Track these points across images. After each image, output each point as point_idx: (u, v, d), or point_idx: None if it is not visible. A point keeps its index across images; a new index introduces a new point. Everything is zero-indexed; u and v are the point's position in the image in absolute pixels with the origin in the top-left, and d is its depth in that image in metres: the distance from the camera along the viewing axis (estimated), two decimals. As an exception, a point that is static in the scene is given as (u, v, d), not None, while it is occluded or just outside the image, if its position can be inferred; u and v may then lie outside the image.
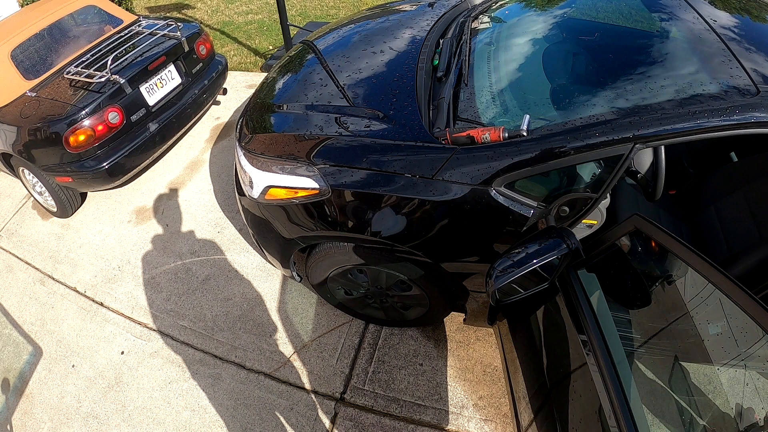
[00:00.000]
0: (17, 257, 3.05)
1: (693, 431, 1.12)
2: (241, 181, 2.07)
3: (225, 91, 3.83)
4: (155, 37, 3.25)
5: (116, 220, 3.18)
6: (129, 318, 2.58)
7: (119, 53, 3.05)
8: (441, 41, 2.18)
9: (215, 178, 3.38)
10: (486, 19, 2.28)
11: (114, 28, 3.47)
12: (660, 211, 1.93)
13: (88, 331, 2.56)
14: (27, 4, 5.04)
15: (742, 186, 1.82)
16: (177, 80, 3.27)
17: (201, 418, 2.12)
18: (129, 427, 2.14)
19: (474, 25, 2.24)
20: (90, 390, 2.30)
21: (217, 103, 4.15)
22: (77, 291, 2.77)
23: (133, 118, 3.00)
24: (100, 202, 3.35)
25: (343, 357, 2.26)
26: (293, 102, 2.04)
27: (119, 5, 4.86)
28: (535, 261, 1.29)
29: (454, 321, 2.34)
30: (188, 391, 2.23)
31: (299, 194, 1.79)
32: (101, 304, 2.68)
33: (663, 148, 1.52)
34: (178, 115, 3.24)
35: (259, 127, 2.04)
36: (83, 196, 3.36)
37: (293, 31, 4.54)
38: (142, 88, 3.02)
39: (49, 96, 2.88)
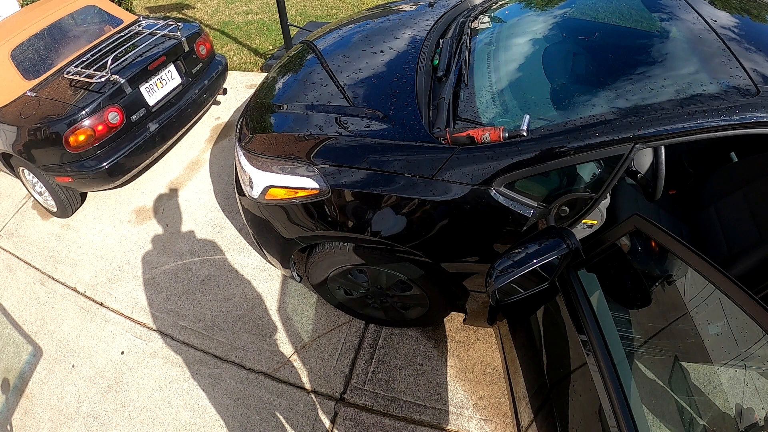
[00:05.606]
0: (17, 257, 3.05)
1: (693, 431, 1.12)
2: (241, 181, 2.07)
3: (225, 91, 3.83)
4: (155, 37, 3.25)
5: (116, 220, 3.18)
6: (129, 318, 2.58)
7: (119, 53, 3.05)
8: (441, 41, 2.18)
9: (215, 178, 3.38)
10: (486, 19, 2.28)
11: (114, 28, 3.47)
12: (660, 211, 1.93)
13: (88, 331, 2.56)
14: (27, 4, 5.03)
15: (742, 186, 1.82)
16: (177, 80, 3.27)
17: (201, 418, 2.12)
18: (129, 427, 2.14)
19: (474, 25, 2.24)
20: (90, 390, 2.31)
21: (217, 103, 4.15)
22: (77, 291, 2.77)
23: (133, 118, 3.00)
24: (100, 202, 3.35)
25: (343, 357, 2.26)
26: (293, 102, 2.04)
27: (119, 5, 4.86)
28: (535, 261, 1.29)
29: (454, 321, 2.34)
30: (188, 391, 2.23)
31: (299, 194, 1.79)
32: (101, 304, 2.68)
33: (663, 148, 1.52)
34: (178, 115, 3.24)
35: (259, 127, 2.04)
36: (83, 196, 3.36)
37: (293, 31, 4.54)
38: (142, 88, 3.02)
39: (49, 96, 2.88)
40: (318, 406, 2.10)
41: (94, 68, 2.91)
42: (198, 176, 3.43)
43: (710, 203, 1.88)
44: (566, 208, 1.50)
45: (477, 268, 1.68)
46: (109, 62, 2.84)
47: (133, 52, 3.07)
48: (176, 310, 2.57)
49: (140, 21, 3.50)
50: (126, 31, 3.33)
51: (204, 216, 3.09)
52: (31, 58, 3.07)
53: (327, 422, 2.05)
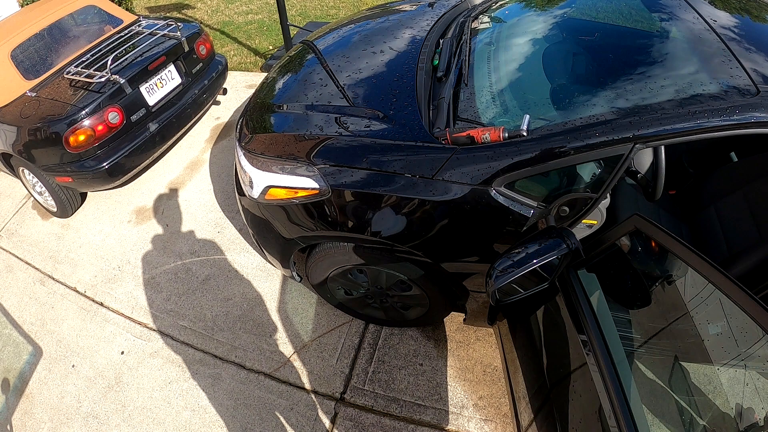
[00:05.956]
0: (17, 257, 3.05)
1: (693, 431, 1.12)
2: (241, 181, 2.07)
3: (225, 91, 3.83)
4: (155, 37, 3.25)
5: (116, 220, 3.18)
6: (129, 318, 2.58)
7: (119, 53, 3.05)
8: (441, 41, 2.18)
9: (215, 178, 3.38)
10: (486, 19, 2.28)
11: (114, 28, 3.47)
12: (660, 211, 1.93)
13: (88, 331, 2.56)
14: (27, 4, 5.03)
15: (742, 186, 1.82)
16: (177, 80, 3.27)
17: (201, 418, 2.12)
18: (129, 427, 2.14)
19: (474, 25, 2.24)
20: (90, 390, 2.31)
21: (217, 103, 4.15)
22: (77, 291, 2.77)
23: (133, 118, 3.00)
24: (100, 202, 3.35)
25: (343, 357, 2.26)
26: (293, 102, 2.04)
27: (119, 5, 4.86)
28: (535, 261, 1.29)
29: (454, 321, 2.34)
30: (188, 391, 2.23)
31: (299, 194, 1.79)
32: (101, 304, 2.68)
33: (663, 148, 1.52)
34: (178, 115, 3.24)
35: (259, 127, 2.04)
36: (83, 196, 3.36)
37: (293, 31, 4.54)
38: (142, 88, 3.02)
39: (49, 96, 2.88)
40: (318, 406, 2.10)
41: (94, 68, 2.91)
42: (198, 176, 3.43)
43: (710, 203, 1.88)
44: (566, 208, 1.50)
45: (477, 268, 1.68)
46: (109, 62, 2.84)
47: (133, 52, 3.07)
48: (176, 310, 2.57)
49: (140, 21, 3.50)
50: (126, 31, 3.33)
51: (204, 216, 3.09)
52: (31, 58, 3.07)
53: (327, 422, 2.05)
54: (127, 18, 3.57)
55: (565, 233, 1.32)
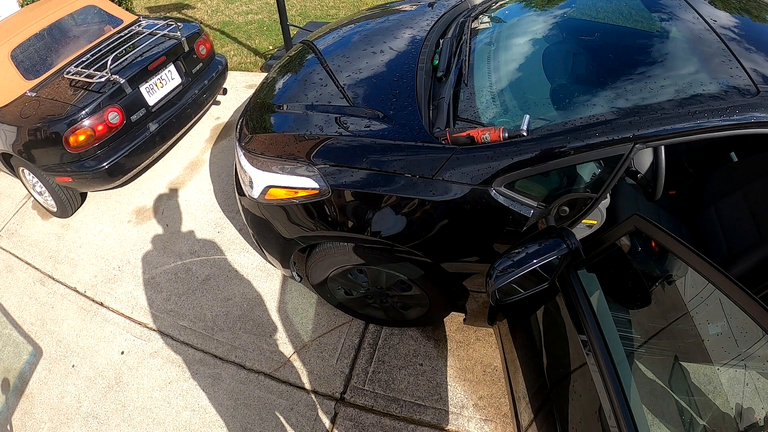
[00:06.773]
0: (17, 257, 3.05)
1: (693, 431, 1.12)
2: (241, 181, 2.07)
3: (225, 91, 3.83)
4: (155, 37, 3.25)
5: (116, 220, 3.18)
6: (129, 318, 2.58)
7: (119, 53, 3.05)
8: (441, 41, 2.18)
9: (215, 178, 3.38)
10: (486, 19, 2.28)
11: (114, 28, 3.47)
12: (660, 211, 1.93)
13: (88, 331, 2.56)
14: (27, 4, 5.03)
15: (742, 186, 1.82)
16: (177, 80, 3.27)
17: (201, 418, 2.12)
18: (129, 427, 2.14)
19: (474, 25, 2.24)
20: (90, 390, 2.31)
21: (217, 103, 4.15)
22: (77, 291, 2.77)
23: (133, 118, 3.00)
24: (100, 202, 3.35)
25: (343, 357, 2.26)
26: (293, 102, 2.04)
27: (119, 5, 4.86)
28: (535, 261, 1.29)
29: (454, 321, 2.34)
30: (188, 391, 2.23)
31: (299, 194, 1.79)
32: (101, 304, 2.68)
33: (663, 148, 1.52)
34: (178, 115, 3.24)
35: (259, 127, 2.04)
36: (83, 196, 3.36)
37: (293, 31, 4.54)
38: (142, 88, 3.02)
39: (49, 96, 2.88)
40: (318, 406, 2.10)
41: (94, 68, 2.91)
42: (198, 176, 3.43)
43: (710, 203, 1.88)
44: (566, 208, 1.50)
45: (477, 268, 1.68)
46: (109, 62, 2.84)
47: (133, 52, 3.07)
48: (176, 310, 2.57)
49: (140, 21, 3.50)
50: (126, 31, 3.33)
51: (204, 216, 3.09)
52: (31, 58, 3.07)
53: (327, 422, 2.05)
54: (127, 18, 3.57)
55: (565, 233, 1.32)
